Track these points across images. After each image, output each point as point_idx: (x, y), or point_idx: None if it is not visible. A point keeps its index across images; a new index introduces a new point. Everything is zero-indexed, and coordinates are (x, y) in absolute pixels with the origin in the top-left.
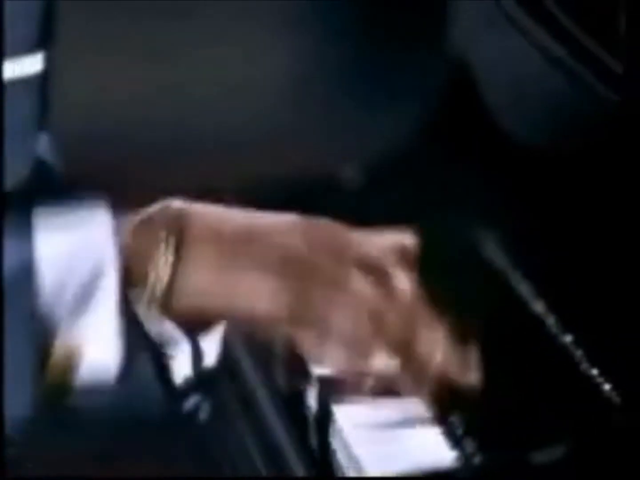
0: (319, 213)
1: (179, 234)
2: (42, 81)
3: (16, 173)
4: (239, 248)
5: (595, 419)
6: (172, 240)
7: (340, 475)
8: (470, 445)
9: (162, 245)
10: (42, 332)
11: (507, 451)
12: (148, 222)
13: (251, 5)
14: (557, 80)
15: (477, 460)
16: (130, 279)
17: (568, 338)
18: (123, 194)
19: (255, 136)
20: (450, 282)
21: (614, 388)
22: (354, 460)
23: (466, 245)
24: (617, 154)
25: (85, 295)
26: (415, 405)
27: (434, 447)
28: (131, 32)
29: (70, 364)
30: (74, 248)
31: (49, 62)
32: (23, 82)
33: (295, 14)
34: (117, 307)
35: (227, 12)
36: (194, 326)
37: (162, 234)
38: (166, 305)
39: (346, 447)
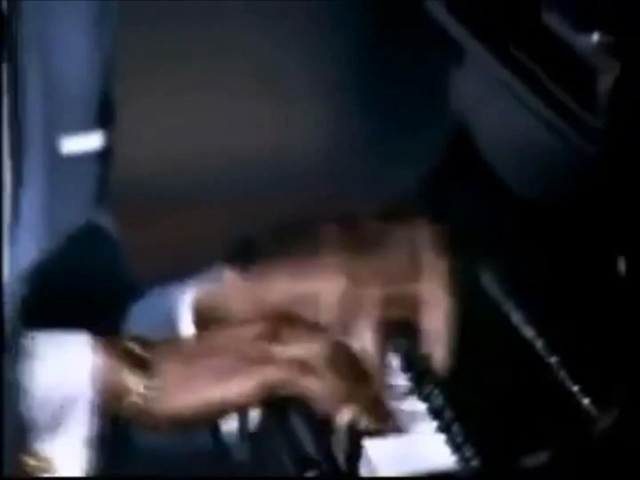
0: None
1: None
2: (101, 158)
3: (76, 242)
4: (198, 360)
5: (576, 429)
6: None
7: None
8: (469, 450)
9: (133, 367)
10: (20, 438)
11: (500, 455)
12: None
13: (289, 77)
14: (546, 138)
15: (474, 463)
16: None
17: (553, 359)
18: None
19: (288, 190)
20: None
21: (591, 402)
22: (367, 461)
23: (467, 278)
24: (600, 202)
25: (58, 417)
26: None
27: (437, 453)
28: (181, 100)
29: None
30: (55, 372)
31: (108, 139)
32: (83, 158)
33: (326, 88)
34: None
35: (269, 86)
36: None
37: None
38: (148, 418)
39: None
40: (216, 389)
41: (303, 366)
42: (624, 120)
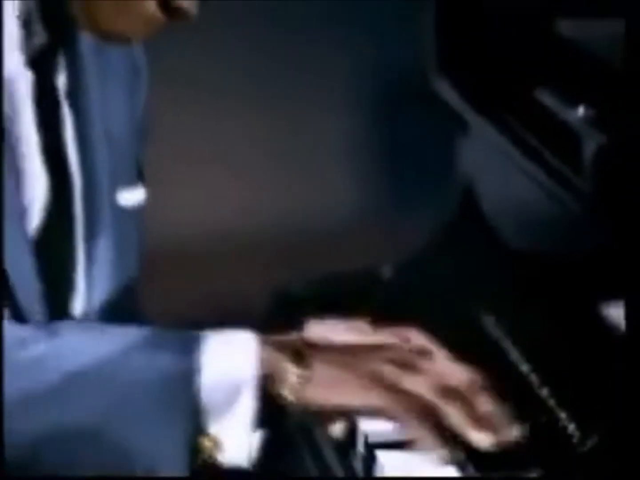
0: (364, 301)
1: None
2: (141, 210)
3: (124, 280)
4: (347, 367)
5: (561, 449)
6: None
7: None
8: (470, 467)
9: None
10: (196, 422)
11: (497, 471)
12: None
13: (319, 146)
14: (539, 198)
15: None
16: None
17: (544, 391)
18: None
19: (318, 242)
20: (457, 346)
21: (576, 427)
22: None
23: (470, 319)
24: (586, 254)
25: (227, 403)
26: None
27: (441, 470)
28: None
29: (212, 451)
30: (223, 362)
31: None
32: (130, 211)
33: (349, 155)
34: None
35: (300, 152)
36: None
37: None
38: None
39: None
40: (356, 397)
41: (449, 393)
42: (607, 183)
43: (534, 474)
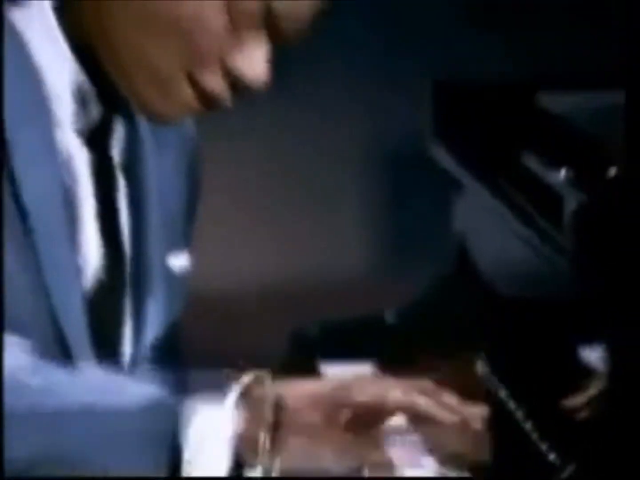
0: (370, 343)
1: (277, 416)
2: (186, 274)
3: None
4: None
5: (543, 477)
6: (270, 419)
7: None
8: None
9: (264, 424)
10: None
11: None
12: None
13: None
14: (525, 251)
15: None
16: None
17: (528, 425)
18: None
19: (331, 291)
20: (452, 384)
21: (556, 456)
22: None
23: (464, 360)
24: (566, 304)
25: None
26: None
27: None
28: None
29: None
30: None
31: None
32: (178, 273)
33: (358, 216)
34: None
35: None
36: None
37: (264, 414)
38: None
39: None
40: (328, 461)
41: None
42: (586, 239)
43: None
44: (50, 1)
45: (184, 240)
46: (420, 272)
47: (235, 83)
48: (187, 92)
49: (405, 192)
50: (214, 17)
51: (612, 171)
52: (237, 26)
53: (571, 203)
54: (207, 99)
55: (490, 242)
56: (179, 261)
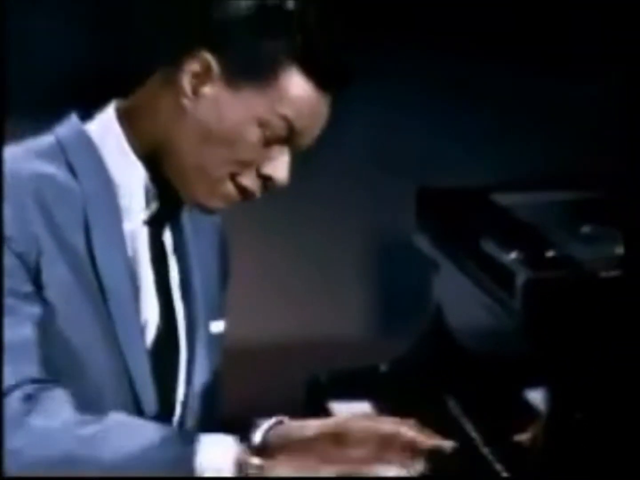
0: (368, 387)
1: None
2: (223, 337)
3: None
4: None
5: None
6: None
7: None
8: None
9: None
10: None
11: None
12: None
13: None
14: (486, 315)
15: None
16: None
17: (486, 450)
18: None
19: (336, 345)
20: (428, 419)
21: (511, 477)
22: None
23: (438, 400)
24: (515, 356)
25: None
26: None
27: None
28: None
29: None
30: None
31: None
32: (217, 337)
33: (351, 289)
34: None
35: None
36: None
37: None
38: None
39: None
40: None
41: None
42: (534, 305)
43: None
44: (115, 116)
45: (220, 310)
46: (406, 332)
47: (266, 182)
48: (230, 189)
49: (394, 270)
50: (254, 135)
51: (550, 252)
52: (269, 142)
53: (521, 277)
54: (244, 194)
55: (459, 308)
56: (217, 327)
